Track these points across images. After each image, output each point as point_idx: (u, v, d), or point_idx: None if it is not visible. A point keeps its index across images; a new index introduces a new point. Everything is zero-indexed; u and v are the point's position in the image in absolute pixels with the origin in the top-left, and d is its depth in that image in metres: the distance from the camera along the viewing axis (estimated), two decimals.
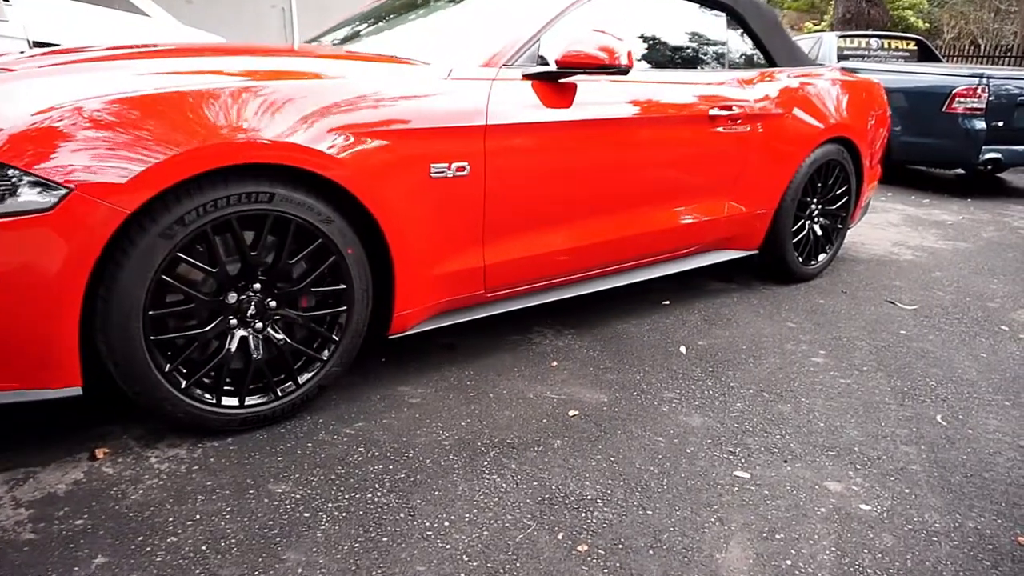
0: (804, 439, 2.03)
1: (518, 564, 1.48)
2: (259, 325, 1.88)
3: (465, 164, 2.09)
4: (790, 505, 1.72)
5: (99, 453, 1.77)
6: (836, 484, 1.82)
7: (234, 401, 1.86)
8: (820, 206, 3.49)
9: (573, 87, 2.34)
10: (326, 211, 1.86)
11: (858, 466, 1.91)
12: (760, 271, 3.53)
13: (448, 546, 1.52)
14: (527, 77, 2.25)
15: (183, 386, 1.77)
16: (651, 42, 2.79)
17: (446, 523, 1.60)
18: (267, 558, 1.45)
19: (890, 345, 2.75)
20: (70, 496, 1.61)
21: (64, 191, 1.49)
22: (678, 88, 2.71)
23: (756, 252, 3.29)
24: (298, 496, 1.66)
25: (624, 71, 2.26)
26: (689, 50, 2.93)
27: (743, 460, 1.91)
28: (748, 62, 3.19)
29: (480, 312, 2.36)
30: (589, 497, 1.71)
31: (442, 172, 2.04)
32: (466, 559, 1.49)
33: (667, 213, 2.78)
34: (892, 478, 1.85)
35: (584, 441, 1.96)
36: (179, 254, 1.68)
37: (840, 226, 3.60)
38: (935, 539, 1.63)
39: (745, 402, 2.24)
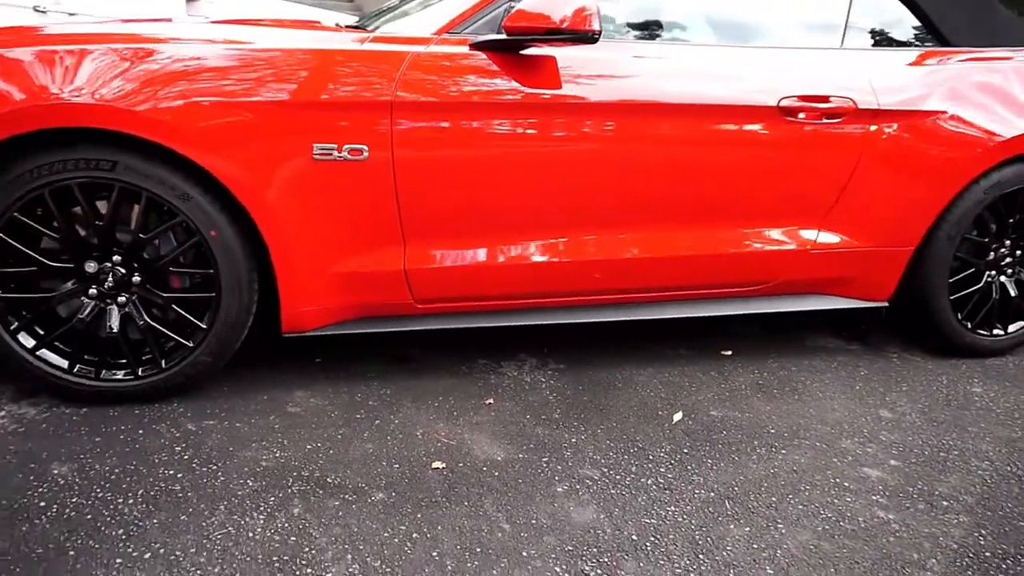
0: None
1: None
2: (121, 299, 1.81)
3: (363, 147, 1.76)
4: None
5: None
6: None
7: (90, 372, 1.82)
8: (1016, 253, 2.39)
9: (546, 60, 1.85)
10: (183, 187, 1.70)
11: None
12: (909, 335, 2.55)
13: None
14: (477, 47, 1.83)
15: (31, 347, 1.77)
16: (691, 8, 2.12)
17: (147, 554, 1.34)
18: None
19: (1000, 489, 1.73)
20: None
21: None
22: (724, 66, 2.02)
23: (885, 305, 2.35)
24: (65, 482, 1.54)
25: (590, 38, 1.72)
26: (767, 18, 2.17)
27: None
28: (888, 39, 2.27)
29: (421, 324, 2.02)
30: (328, 570, 1.31)
31: (329, 154, 1.75)
32: None
33: (697, 235, 2.09)
34: None
35: (409, 503, 1.53)
36: (15, 214, 1.67)
37: None
38: None
39: (683, 508, 1.56)
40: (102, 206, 1.73)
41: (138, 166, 1.67)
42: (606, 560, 1.39)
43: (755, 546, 1.46)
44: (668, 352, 2.35)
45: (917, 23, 2.28)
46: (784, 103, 2.01)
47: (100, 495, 1.50)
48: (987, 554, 1.47)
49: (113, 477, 1.56)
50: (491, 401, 1.98)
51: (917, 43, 2.28)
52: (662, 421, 1.92)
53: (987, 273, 2.39)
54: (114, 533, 1.39)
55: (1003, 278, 2.41)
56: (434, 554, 1.39)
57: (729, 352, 2.38)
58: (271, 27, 2.01)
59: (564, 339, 2.39)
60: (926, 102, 2.13)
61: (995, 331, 2.44)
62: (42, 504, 1.47)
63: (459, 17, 1.87)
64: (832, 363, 2.35)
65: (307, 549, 1.38)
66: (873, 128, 2.11)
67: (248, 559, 1.35)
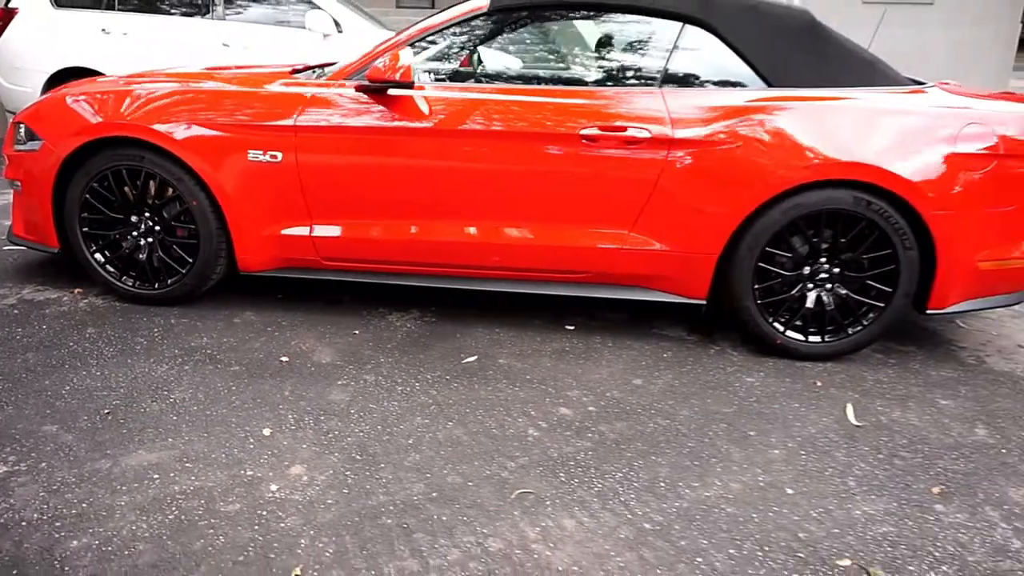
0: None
1: None
2: (150, 239, 2.97)
3: (278, 153, 2.75)
4: None
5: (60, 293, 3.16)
6: None
7: (131, 282, 3.02)
8: (832, 271, 2.68)
9: (405, 99, 2.68)
10: (179, 173, 2.82)
11: None
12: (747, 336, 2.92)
13: None
14: (360, 88, 2.71)
15: (102, 262, 3.00)
16: (523, 59, 2.76)
17: (109, 351, 2.45)
18: None
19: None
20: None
21: (41, 141, 2.86)
22: (536, 104, 2.65)
23: (703, 302, 2.80)
24: (108, 331, 2.72)
25: (409, 86, 2.53)
26: (582, 67, 2.73)
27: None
28: (709, 80, 2.70)
29: (326, 274, 2.96)
30: (175, 391, 2.31)
31: (258, 158, 2.75)
32: None
33: (522, 228, 2.75)
34: None
35: (246, 375, 2.48)
36: (94, 184, 2.89)
37: (882, 303, 2.66)
38: None
39: (405, 404, 2.32)
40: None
41: (155, 160, 2.82)
42: (336, 423, 2.22)
43: (436, 435, 2.18)
44: (524, 321, 3.02)
45: (742, 66, 2.69)
46: (585, 132, 2.61)
47: (127, 333, 2.66)
48: (593, 460, 2.05)
49: (118, 327, 2.72)
50: (357, 332, 2.86)
51: (739, 84, 2.70)
52: (458, 360, 2.65)
53: (799, 284, 2.71)
54: (129, 349, 2.53)
55: (818, 291, 2.71)
56: (234, 400, 2.32)
57: (572, 327, 2.99)
58: (242, 73, 3.06)
59: (452, 301, 3.16)
60: (719, 135, 2.58)
61: (811, 338, 2.75)
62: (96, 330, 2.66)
63: (349, 69, 2.77)
64: (651, 347, 2.85)
65: (181, 383, 2.39)
66: (669, 154, 2.61)
67: (147, 376, 2.39)
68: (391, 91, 2.67)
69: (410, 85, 2.57)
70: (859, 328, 2.73)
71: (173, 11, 5.58)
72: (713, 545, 1.76)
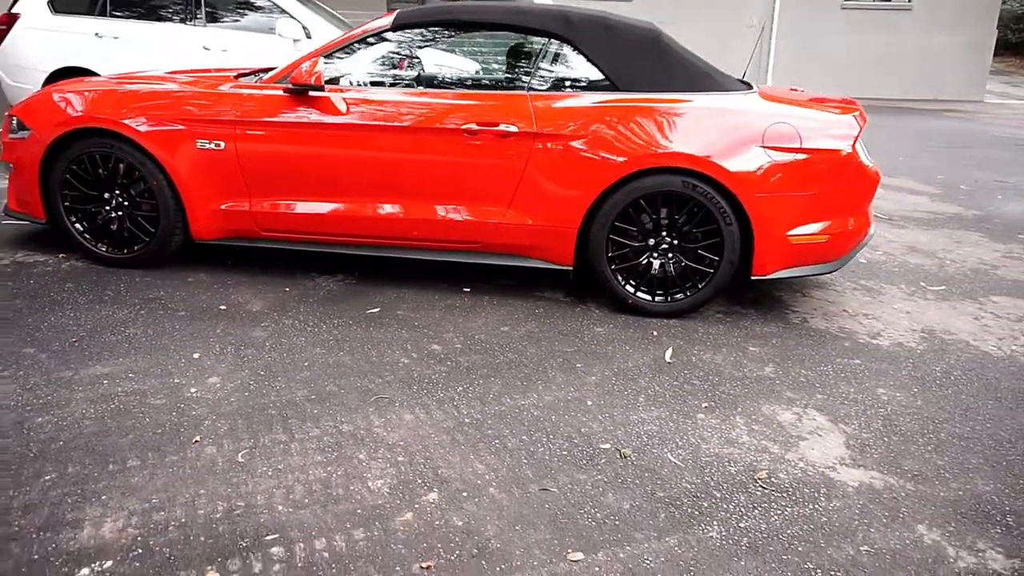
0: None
1: None
2: (119, 213, 3.59)
3: (221, 142, 3.37)
4: None
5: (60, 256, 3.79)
6: None
7: (106, 248, 3.64)
8: (673, 243, 3.27)
9: (322, 99, 3.30)
10: (142, 158, 3.44)
11: None
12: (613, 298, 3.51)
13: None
14: (287, 91, 3.33)
15: (81, 230, 3.63)
16: (418, 68, 3.36)
17: (90, 298, 3.07)
18: None
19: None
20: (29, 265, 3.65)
21: (30, 131, 3.49)
22: (429, 104, 3.26)
23: (570, 268, 3.39)
24: (83, 284, 3.34)
25: (319, 88, 3.16)
26: (467, 73, 3.34)
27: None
28: (568, 84, 3.31)
29: (266, 243, 3.57)
30: (130, 327, 2.93)
31: (204, 146, 3.38)
32: None
33: (421, 206, 3.35)
34: None
35: (190, 319, 3.09)
36: (73, 166, 3.52)
37: (712, 270, 3.25)
38: None
39: (300, 341, 2.94)
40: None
41: (122, 147, 3.45)
42: (251, 351, 2.83)
43: (328, 360, 2.79)
44: (428, 284, 3.63)
45: (596, 73, 3.29)
46: (466, 127, 3.22)
47: (98, 288, 3.28)
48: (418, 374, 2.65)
49: (91, 283, 3.34)
50: (287, 289, 3.48)
51: (593, 87, 3.29)
52: (364, 311, 3.26)
53: (646, 254, 3.31)
54: (98, 299, 3.15)
55: (661, 260, 3.31)
56: (176, 335, 2.94)
57: (468, 290, 3.60)
58: (196, 76, 3.69)
59: (371, 268, 3.77)
60: (572, 129, 3.18)
61: (656, 298, 3.34)
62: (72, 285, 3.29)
63: (279, 75, 3.40)
64: (529, 304, 3.45)
65: (136, 323, 3.01)
66: (533, 145, 3.21)
67: (110, 318, 3.01)
68: (311, 92, 3.29)
69: (322, 88, 3.19)
70: (695, 290, 3.32)
71: (159, 18, 6.22)
72: (511, 433, 2.37)
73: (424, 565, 1.77)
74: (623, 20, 3.34)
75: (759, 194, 3.14)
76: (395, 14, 3.42)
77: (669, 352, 3.02)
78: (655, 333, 3.20)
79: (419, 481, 2.09)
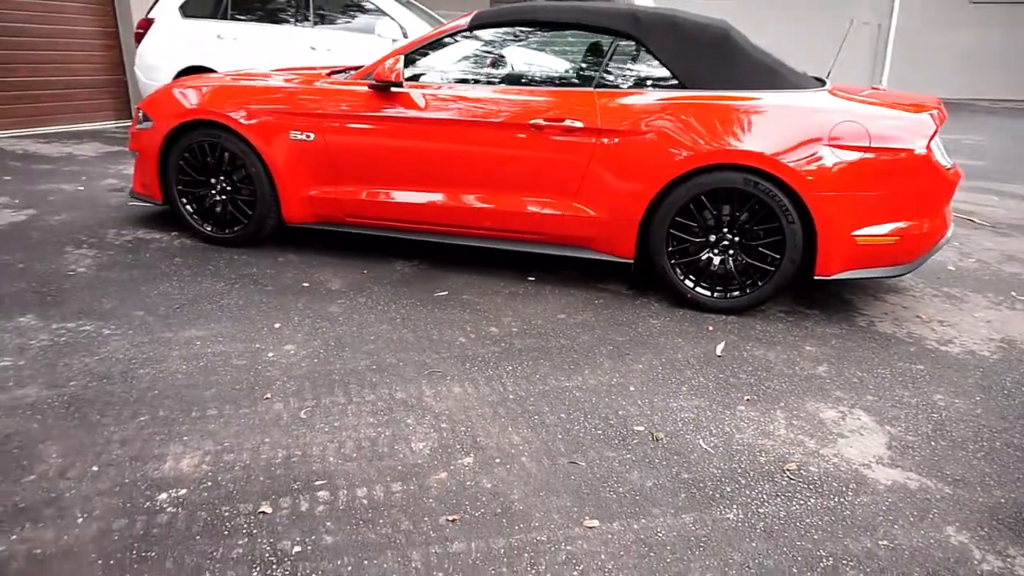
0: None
1: None
2: (223, 197, 3.98)
3: (311, 134, 3.68)
4: None
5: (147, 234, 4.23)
6: None
7: (215, 228, 4.05)
8: (734, 240, 3.28)
9: (402, 94, 3.54)
10: (244, 147, 3.81)
11: None
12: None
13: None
14: (371, 87, 3.59)
15: (191, 211, 4.05)
16: (493, 65, 3.52)
17: (191, 271, 3.46)
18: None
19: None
20: (142, 240, 4.11)
21: (152, 122, 3.94)
22: (500, 99, 3.42)
23: (631, 261, 3.47)
24: (198, 259, 3.76)
25: (398, 84, 3.39)
26: (537, 71, 3.46)
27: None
28: (634, 81, 3.39)
29: (350, 228, 3.87)
30: (225, 298, 3.27)
31: (296, 136, 3.69)
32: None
33: (489, 196, 3.52)
34: None
35: (274, 293, 3.41)
36: (186, 154, 3.93)
37: (773, 268, 3.25)
38: None
39: (374, 318, 3.17)
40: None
41: (228, 137, 3.83)
42: (326, 324, 3.11)
43: (392, 336, 3.02)
44: (495, 272, 3.81)
45: (663, 71, 3.36)
46: (533, 122, 3.37)
47: (202, 263, 3.68)
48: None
49: (196, 258, 3.74)
50: (365, 271, 3.75)
51: (659, 85, 3.35)
52: (427, 295, 3.48)
53: (706, 250, 3.34)
54: (200, 272, 3.55)
55: (721, 256, 3.33)
56: (262, 306, 3.26)
57: (533, 279, 3.74)
58: (295, 73, 4.02)
59: (444, 255, 3.98)
60: (634, 125, 3.26)
61: (715, 294, 3.37)
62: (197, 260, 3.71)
63: (364, 71, 3.66)
64: (589, 295, 3.56)
65: (230, 294, 3.36)
66: (598, 140, 3.32)
67: (208, 289, 3.38)
68: (392, 88, 3.54)
69: (401, 84, 3.43)
70: (755, 288, 3.33)
71: (274, 20, 6.73)
72: (551, 410, 2.50)
73: (450, 518, 1.94)
74: (692, 18, 3.39)
75: (823, 192, 3.11)
76: (473, 14, 3.61)
77: (721, 346, 3.05)
78: (711, 328, 3.24)
79: (457, 446, 2.27)
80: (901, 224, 3.17)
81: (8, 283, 3.41)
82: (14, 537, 1.80)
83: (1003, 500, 2.11)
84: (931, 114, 3.17)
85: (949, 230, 3.41)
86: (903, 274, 3.31)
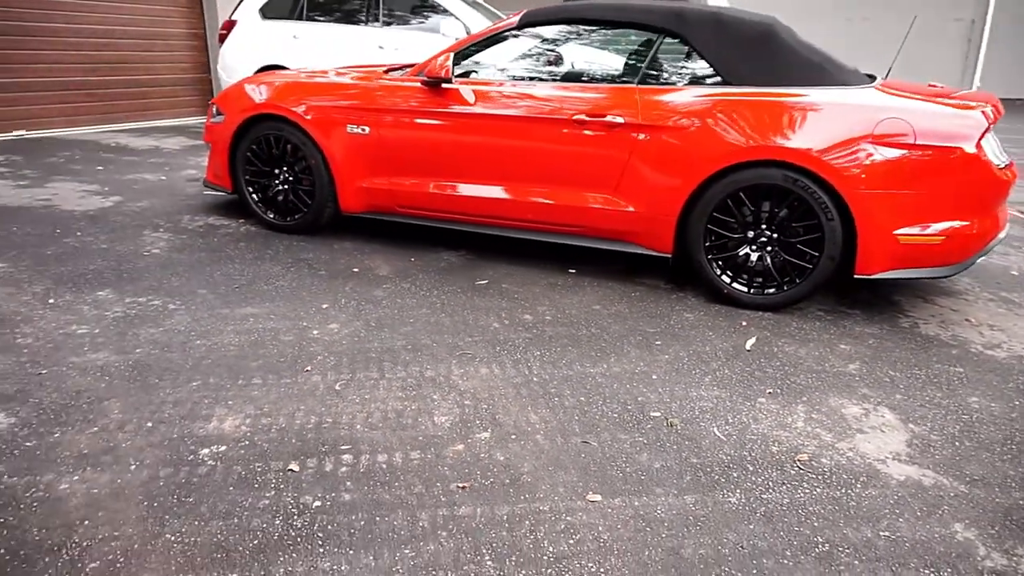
0: None
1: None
2: (286, 186, 4.24)
3: (367, 127, 3.88)
4: None
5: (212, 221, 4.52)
6: None
7: (275, 216, 4.32)
8: (773, 236, 3.28)
9: (452, 90, 3.69)
10: (304, 139, 4.05)
11: None
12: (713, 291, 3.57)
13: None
14: (423, 83, 3.76)
15: (258, 199, 4.33)
16: (540, 62, 3.61)
17: (248, 257, 3.72)
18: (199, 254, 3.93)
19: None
20: (212, 227, 4.42)
21: (224, 116, 4.24)
22: (544, 96, 3.52)
23: (669, 255, 3.51)
24: (253, 245, 4.03)
25: (448, 81, 3.54)
26: (583, 67, 3.53)
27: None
28: (677, 77, 3.43)
29: (401, 218, 4.06)
30: (282, 278, 3.50)
31: (353, 130, 3.90)
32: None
33: (532, 189, 3.63)
34: None
35: (326, 277, 3.62)
36: (253, 146, 4.21)
37: (811, 266, 3.23)
38: None
39: (410, 301, 3.33)
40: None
41: (291, 130, 4.08)
42: (369, 307, 3.29)
43: (430, 320, 3.18)
44: (537, 263, 3.91)
45: (706, 67, 3.38)
46: (576, 118, 3.46)
47: (263, 248, 3.96)
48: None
49: (258, 243, 4.01)
50: (413, 259, 3.92)
51: (702, 81, 3.38)
52: (468, 283, 3.62)
53: (744, 246, 3.34)
54: (261, 256, 3.82)
55: (759, 252, 3.32)
56: (313, 288, 3.47)
57: (573, 271, 3.83)
58: (353, 71, 4.23)
59: (490, 245, 4.11)
60: (674, 121, 3.30)
61: (752, 290, 3.37)
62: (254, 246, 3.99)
63: (419, 68, 3.83)
64: (627, 288, 3.62)
65: (285, 277, 3.59)
66: (638, 136, 3.37)
67: (266, 271, 3.62)
68: (443, 85, 3.69)
69: (451, 80, 3.58)
70: (792, 285, 3.31)
71: (346, 20, 7.04)
72: (571, 394, 2.59)
73: (461, 485, 2.07)
74: (737, 14, 3.40)
75: (864, 190, 3.08)
76: (522, 13, 3.73)
77: (751, 341, 3.06)
78: (744, 323, 3.25)
79: (477, 422, 2.39)
80: (947, 224, 3.10)
81: (92, 261, 3.75)
82: (76, 477, 2.04)
83: (1021, 502, 2.07)
84: (983, 111, 3.09)
85: (1003, 231, 3.29)
86: (950, 275, 3.23)
